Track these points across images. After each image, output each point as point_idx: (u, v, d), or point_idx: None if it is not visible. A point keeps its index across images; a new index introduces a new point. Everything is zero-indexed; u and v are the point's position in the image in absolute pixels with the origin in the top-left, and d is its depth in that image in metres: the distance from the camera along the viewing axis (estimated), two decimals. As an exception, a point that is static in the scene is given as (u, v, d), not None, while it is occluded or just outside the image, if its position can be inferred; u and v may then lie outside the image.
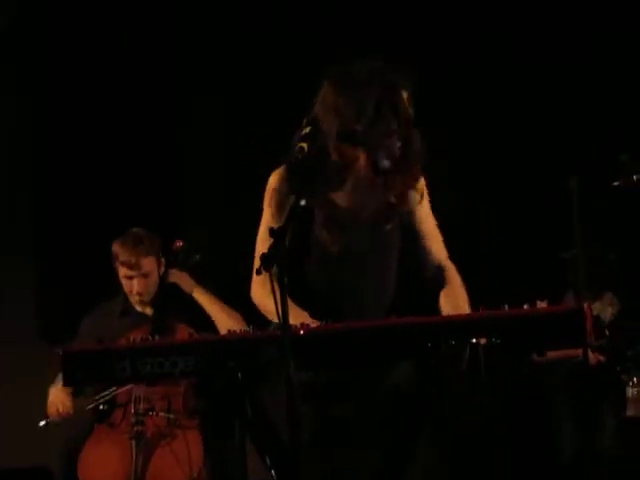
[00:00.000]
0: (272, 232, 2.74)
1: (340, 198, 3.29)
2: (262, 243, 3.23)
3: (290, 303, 2.83)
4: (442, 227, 3.48)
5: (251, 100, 6.36)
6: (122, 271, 4.97)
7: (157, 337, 3.12)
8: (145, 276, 4.96)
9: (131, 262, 4.92)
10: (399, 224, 3.34)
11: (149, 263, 4.96)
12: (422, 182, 3.37)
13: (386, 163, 3.24)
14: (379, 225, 3.30)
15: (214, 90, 6.58)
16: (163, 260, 5.03)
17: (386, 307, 3.30)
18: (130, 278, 4.96)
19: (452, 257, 3.45)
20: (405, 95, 3.26)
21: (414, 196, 3.34)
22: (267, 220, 3.27)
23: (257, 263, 2.79)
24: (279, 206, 3.24)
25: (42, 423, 4.85)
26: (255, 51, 6.41)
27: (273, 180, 3.31)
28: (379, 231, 3.31)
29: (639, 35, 6.16)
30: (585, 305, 2.79)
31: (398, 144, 3.23)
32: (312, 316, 3.07)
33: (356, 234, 3.27)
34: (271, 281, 2.69)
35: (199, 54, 6.62)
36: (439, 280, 3.33)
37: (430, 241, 3.38)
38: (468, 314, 2.98)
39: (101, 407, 4.84)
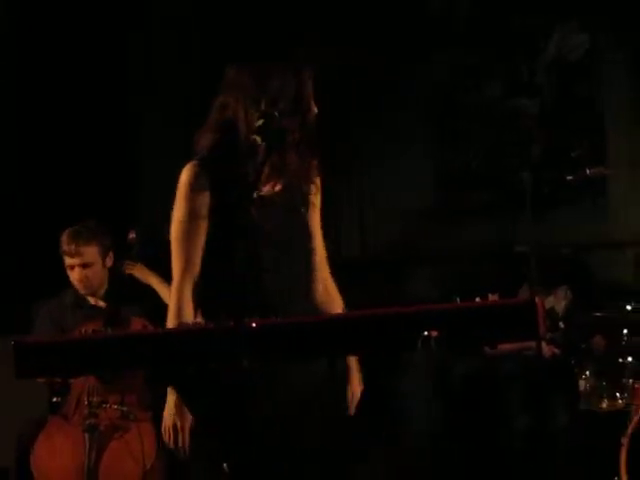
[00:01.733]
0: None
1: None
2: (183, 238, 3.22)
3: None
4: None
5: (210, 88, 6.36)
6: (65, 260, 4.98)
7: (110, 329, 3.10)
8: (85, 266, 4.95)
9: (71, 251, 4.92)
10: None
11: (90, 253, 4.94)
12: (317, 182, 3.33)
13: (290, 144, 3.20)
14: (295, 208, 3.27)
15: (171, 81, 6.59)
16: (112, 253, 5.01)
17: (315, 298, 3.28)
18: (72, 268, 4.96)
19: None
20: (309, 81, 3.24)
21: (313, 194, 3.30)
22: (183, 214, 3.23)
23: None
24: (196, 201, 3.20)
25: None
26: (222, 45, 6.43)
27: (188, 175, 3.24)
28: (296, 214, 3.27)
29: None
30: (536, 297, 2.81)
31: (300, 127, 3.21)
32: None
33: (276, 219, 3.23)
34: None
35: (156, 49, 6.62)
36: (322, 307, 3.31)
37: (318, 256, 3.33)
38: (419, 307, 2.98)
39: (54, 399, 4.83)
